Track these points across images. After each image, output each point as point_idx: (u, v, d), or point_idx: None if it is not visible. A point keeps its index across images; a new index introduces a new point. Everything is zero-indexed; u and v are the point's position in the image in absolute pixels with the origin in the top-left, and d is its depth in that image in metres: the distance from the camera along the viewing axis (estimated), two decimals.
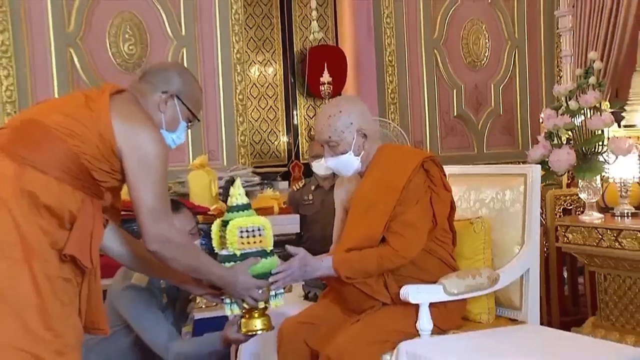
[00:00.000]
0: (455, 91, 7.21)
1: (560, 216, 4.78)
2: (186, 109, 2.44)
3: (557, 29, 6.41)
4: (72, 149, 2.19)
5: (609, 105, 4.46)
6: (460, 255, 3.08)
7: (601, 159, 4.00)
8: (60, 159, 2.17)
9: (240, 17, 5.82)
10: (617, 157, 3.93)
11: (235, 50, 5.74)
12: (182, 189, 5.05)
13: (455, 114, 7.22)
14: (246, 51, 6.75)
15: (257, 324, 2.65)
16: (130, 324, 3.03)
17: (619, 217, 3.98)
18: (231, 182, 3.55)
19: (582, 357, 2.71)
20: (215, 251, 2.67)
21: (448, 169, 3.25)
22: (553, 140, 4.12)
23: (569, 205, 4.88)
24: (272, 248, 2.64)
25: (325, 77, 6.92)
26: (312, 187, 5.08)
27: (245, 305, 2.61)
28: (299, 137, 7.67)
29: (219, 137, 5.70)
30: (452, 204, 2.98)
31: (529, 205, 3.13)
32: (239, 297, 2.58)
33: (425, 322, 2.84)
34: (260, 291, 2.59)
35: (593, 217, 4.04)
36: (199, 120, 2.53)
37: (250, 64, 7.39)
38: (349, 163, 2.96)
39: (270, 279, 2.62)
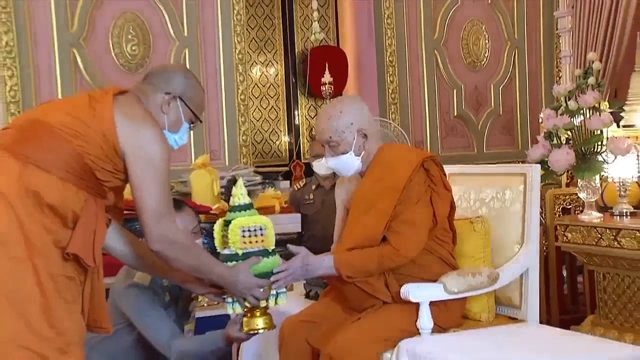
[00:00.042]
0: (455, 91, 7.22)
1: (559, 215, 4.79)
2: (189, 111, 2.45)
3: (557, 29, 6.41)
4: (76, 149, 2.20)
5: (608, 106, 4.45)
6: (460, 254, 3.09)
7: (600, 158, 4.00)
8: (64, 159, 2.19)
9: (242, 17, 5.85)
10: (616, 157, 3.93)
11: (237, 51, 5.76)
12: (184, 188, 5.07)
13: (455, 114, 7.24)
14: (248, 52, 6.77)
15: (259, 322, 2.66)
16: (133, 322, 3.03)
17: (618, 217, 3.99)
18: (233, 181, 3.56)
19: (581, 355, 2.72)
20: (218, 250, 2.68)
21: (448, 169, 3.25)
22: (552, 140, 4.13)
23: (568, 204, 4.89)
24: (273, 247, 2.66)
25: (327, 78, 6.95)
26: (313, 187, 5.10)
27: (247, 304, 2.62)
28: (300, 137, 7.69)
29: (221, 136, 5.72)
30: (452, 203, 2.98)
31: (528, 204, 3.13)
32: (241, 296, 2.59)
33: (425, 320, 2.85)
34: (261, 290, 2.60)
35: (592, 216, 4.06)
36: (201, 122, 2.54)
37: (252, 64, 7.41)
38: (349, 163, 2.97)
39: (272, 278, 2.63)
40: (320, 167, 4.83)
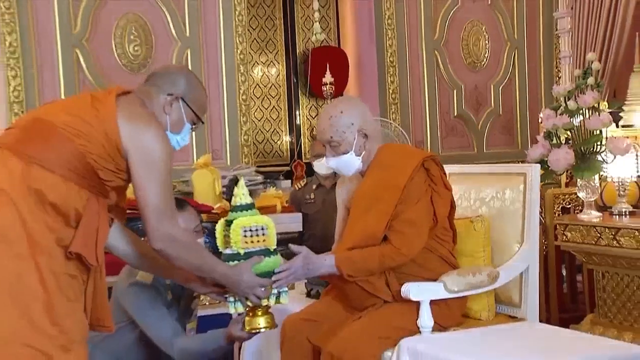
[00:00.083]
0: (455, 91, 7.23)
1: (559, 215, 4.81)
2: (191, 112, 2.46)
3: (556, 30, 6.41)
4: (79, 148, 2.21)
5: (607, 106, 4.46)
6: (460, 253, 3.10)
7: (599, 158, 4.02)
8: (67, 158, 2.20)
9: (244, 18, 5.86)
10: (615, 157, 3.95)
11: (238, 51, 5.77)
12: (186, 187, 5.09)
13: (455, 114, 7.24)
14: (249, 52, 6.78)
15: (261, 321, 2.67)
16: (136, 320, 3.03)
17: (617, 216, 4.00)
18: (235, 181, 3.57)
19: (580, 354, 2.73)
20: (220, 250, 2.68)
21: (448, 168, 3.26)
22: (552, 140, 4.14)
23: (567, 204, 4.91)
24: (275, 247, 2.66)
25: (328, 78, 6.96)
26: (314, 186, 5.12)
27: (249, 304, 2.63)
28: (302, 136, 7.71)
29: (222, 136, 5.73)
30: (452, 202, 3.00)
31: (528, 204, 3.14)
32: (243, 295, 2.60)
33: (426, 319, 2.86)
34: (263, 289, 2.61)
35: (591, 215, 4.07)
36: (203, 123, 2.55)
37: (254, 64, 7.43)
38: (350, 163, 2.99)
39: (274, 278, 2.64)
40: (321, 166, 4.84)
